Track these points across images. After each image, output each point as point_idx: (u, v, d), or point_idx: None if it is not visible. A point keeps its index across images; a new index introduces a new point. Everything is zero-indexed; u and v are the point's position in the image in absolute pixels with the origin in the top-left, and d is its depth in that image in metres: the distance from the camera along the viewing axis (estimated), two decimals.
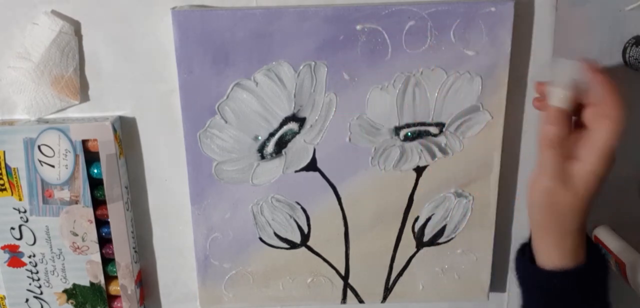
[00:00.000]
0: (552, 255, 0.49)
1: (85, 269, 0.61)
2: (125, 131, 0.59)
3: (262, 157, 0.58)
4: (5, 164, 0.57)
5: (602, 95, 0.45)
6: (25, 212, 0.59)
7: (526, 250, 0.52)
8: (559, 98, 0.47)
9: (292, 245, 0.62)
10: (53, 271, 0.62)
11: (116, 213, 0.59)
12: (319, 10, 0.53)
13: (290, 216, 0.60)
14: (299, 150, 0.58)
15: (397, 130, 0.57)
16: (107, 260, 0.62)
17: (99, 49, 0.56)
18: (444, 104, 0.56)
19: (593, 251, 0.50)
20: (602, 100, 0.45)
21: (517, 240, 0.63)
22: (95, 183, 0.58)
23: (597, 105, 0.46)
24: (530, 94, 0.58)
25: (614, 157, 0.46)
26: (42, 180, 0.58)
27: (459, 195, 0.59)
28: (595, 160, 0.45)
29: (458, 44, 0.54)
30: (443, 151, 0.58)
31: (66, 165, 0.57)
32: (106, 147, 0.57)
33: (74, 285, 0.62)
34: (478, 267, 0.62)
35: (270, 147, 0.58)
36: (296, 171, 0.59)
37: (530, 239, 0.52)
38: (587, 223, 0.49)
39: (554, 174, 0.47)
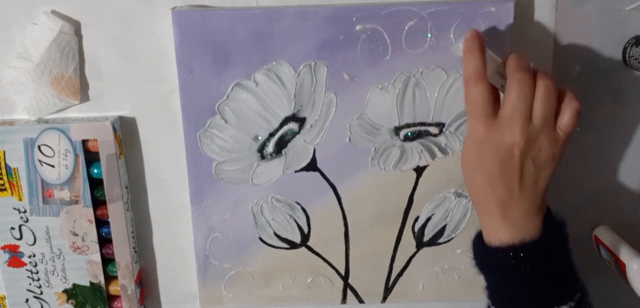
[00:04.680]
0: (495, 231, 0.48)
1: (85, 269, 0.61)
2: (125, 131, 0.59)
3: (262, 157, 0.58)
4: (5, 164, 0.57)
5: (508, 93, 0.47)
6: (25, 212, 0.59)
7: (480, 233, 0.51)
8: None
9: (292, 245, 0.62)
10: (53, 271, 0.62)
11: (116, 213, 0.59)
12: (319, 10, 0.53)
13: (290, 216, 0.60)
14: (299, 150, 0.58)
15: (397, 130, 0.57)
16: (107, 260, 0.62)
17: (99, 49, 0.56)
18: (444, 104, 0.56)
19: (548, 224, 0.48)
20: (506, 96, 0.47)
21: None
22: (95, 183, 0.58)
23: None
24: None
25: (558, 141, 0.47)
26: (42, 180, 0.58)
27: (459, 195, 0.59)
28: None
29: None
30: (443, 151, 0.58)
31: (66, 165, 0.57)
32: (106, 147, 0.57)
33: (74, 285, 0.62)
34: None
35: (270, 147, 0.58)
36: (296, 171, 0.59)
37: None
38: (539, 199, 0.47)
39: (483, 111, 0.47)
